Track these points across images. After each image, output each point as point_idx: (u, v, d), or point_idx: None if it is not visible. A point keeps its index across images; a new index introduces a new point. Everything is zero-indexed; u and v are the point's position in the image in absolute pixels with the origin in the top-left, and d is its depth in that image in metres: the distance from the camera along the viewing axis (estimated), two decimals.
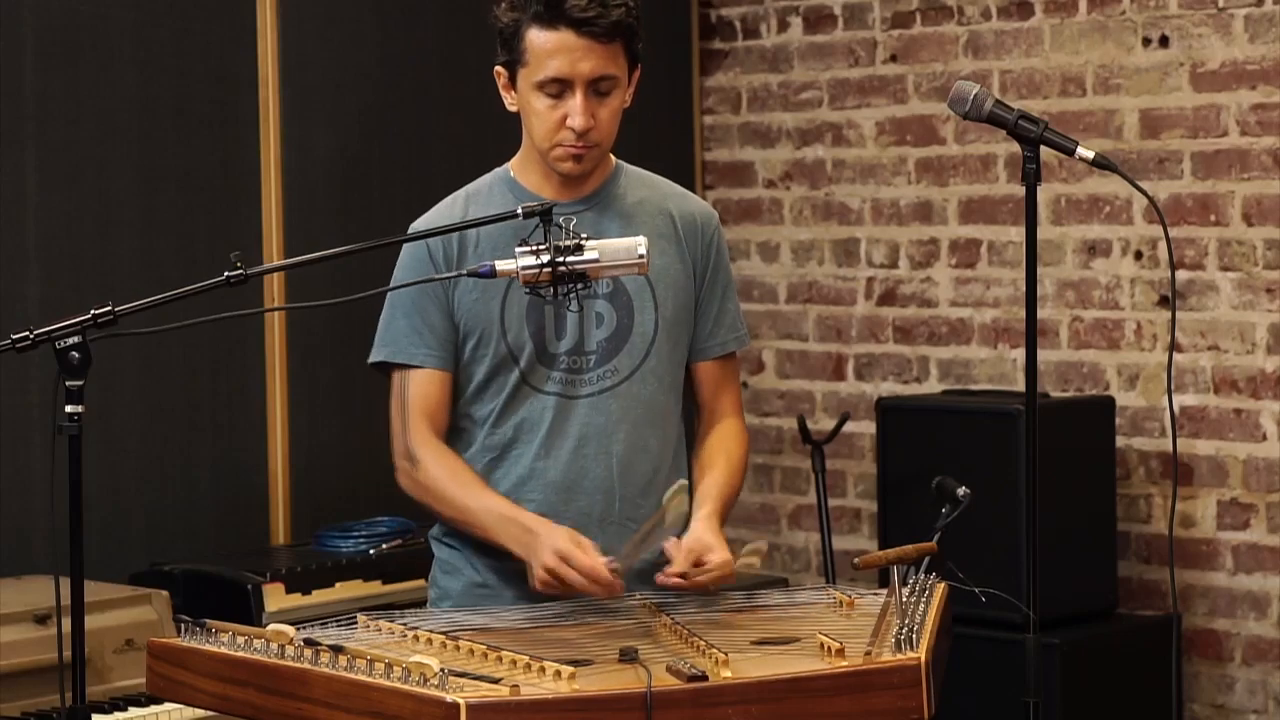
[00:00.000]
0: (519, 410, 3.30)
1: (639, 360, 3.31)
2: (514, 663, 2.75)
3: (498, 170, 3.40)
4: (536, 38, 3.21)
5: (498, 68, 3.30)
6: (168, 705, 3.94)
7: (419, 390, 3.31)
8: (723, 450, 3.38)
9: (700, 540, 3.17)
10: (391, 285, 3.31)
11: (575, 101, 3.21)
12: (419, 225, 3.34)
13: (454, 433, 3.37)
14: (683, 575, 3.13)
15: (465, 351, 3.31)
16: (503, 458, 3.32)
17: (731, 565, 3.17)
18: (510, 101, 3.30)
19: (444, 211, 3.36)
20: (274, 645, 2.86)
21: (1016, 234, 5.57)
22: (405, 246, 3.33)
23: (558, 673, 2.67)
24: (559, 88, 3.22)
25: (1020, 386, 5.13)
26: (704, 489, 3.31)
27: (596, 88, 3.23)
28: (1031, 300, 3.18)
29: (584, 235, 2.98)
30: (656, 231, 3.30)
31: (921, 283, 5.77)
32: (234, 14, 5.01)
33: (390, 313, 3.34)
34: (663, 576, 3.14)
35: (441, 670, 2.60)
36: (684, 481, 3.24)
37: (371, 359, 3.36)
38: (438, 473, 3.29)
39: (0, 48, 4.59)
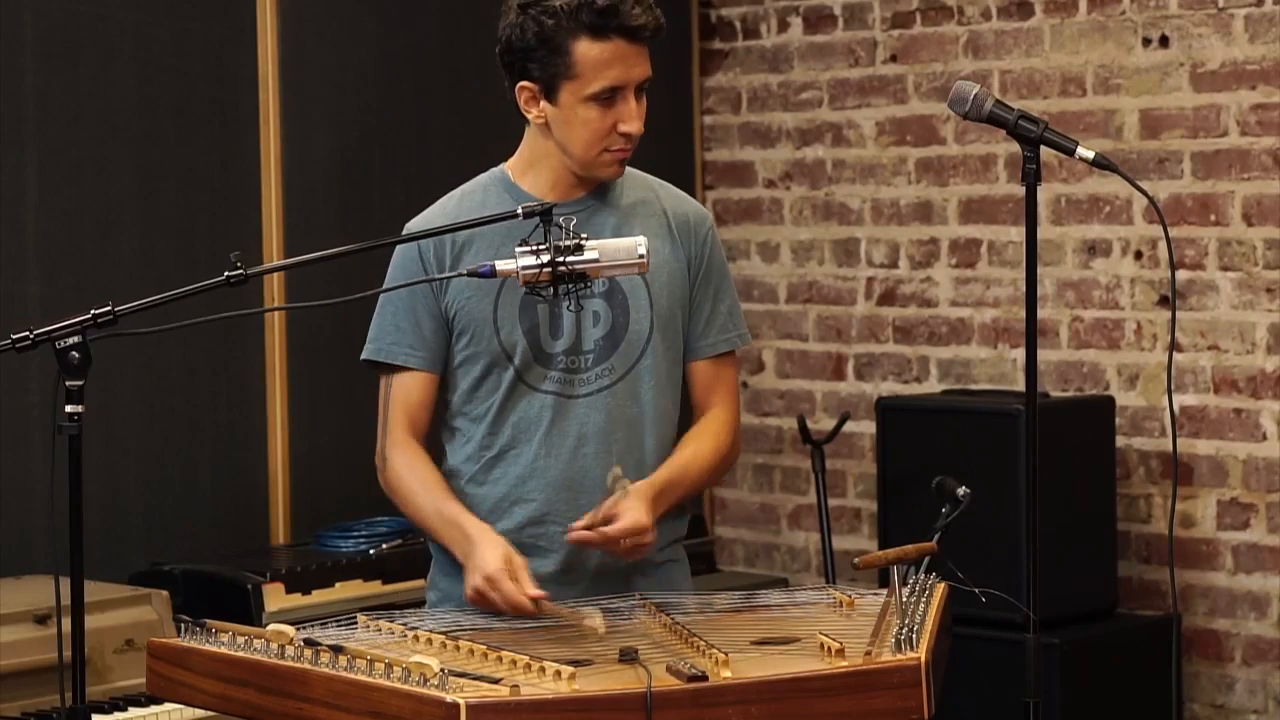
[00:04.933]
0: (516, 409, 3.30)
1: (635, 359, 3.31)
2: (514, 663, 2.75)
3: (493, 171, 3.39)
4: (590, 50, 3.20)
5: (524, 83, 3.25)
6: (168, 705, 3.94)
7: (400, 391, 3.33)
8: (694, 438, 3.36)
9: (619, 502, 3.16)
10: (385, 285, 3.32)
11: (629, 107, 3.23)
12: (413, 225, 3.35)
13: (450, 433, 3.38)
14: (589, 528, 3.14)
15: (458, 350, 3.31)
16: (501, 457, 3.31)
17: (644, 527, 3.13)
18: (537, 114, 3.27)
19: (438, 212, 3.36)
20: (274, 645, 2.86)
21: (1016, 234, 5.57)
22: (398, 246, 3.34)
23: (558, 673, 2.67)
24: (611, 95, 3.23)
25: (1020, 386, 5.12)
26: (662, 466, 3.31)
27: (641, 88, 3.26)
28: (1031, 300, 3.18)
29: (584, 235, 2.99)
30: (651, 231, 3.29)
31: (921, 283, 5.77)
32: (234, 14, 5.01)
33: (380, 312, 3.36)
34: (571, 532, 3.16)
35: (441, 670, 2.60)
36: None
37: (362, 356, 3.38)
38: (403, 473, 3.31)
39: (0, 48, 4.59)
